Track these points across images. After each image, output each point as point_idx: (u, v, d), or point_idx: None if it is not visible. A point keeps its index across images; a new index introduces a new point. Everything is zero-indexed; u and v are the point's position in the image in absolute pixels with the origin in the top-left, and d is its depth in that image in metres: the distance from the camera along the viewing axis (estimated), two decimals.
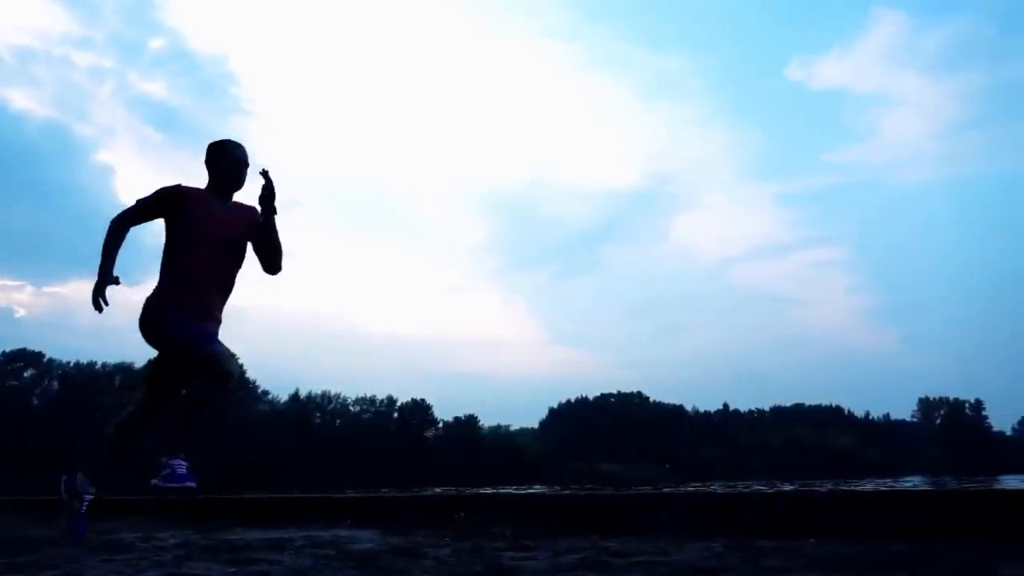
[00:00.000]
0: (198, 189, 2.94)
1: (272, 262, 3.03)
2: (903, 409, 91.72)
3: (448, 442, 74.17)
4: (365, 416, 75.66)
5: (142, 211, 2.89)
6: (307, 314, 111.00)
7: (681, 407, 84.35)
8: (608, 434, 78.39)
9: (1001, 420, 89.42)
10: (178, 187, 2.91)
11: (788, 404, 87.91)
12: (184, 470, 2.74)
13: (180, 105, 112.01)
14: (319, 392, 68.68)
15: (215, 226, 2.90)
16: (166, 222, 2.89)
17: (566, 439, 78.49)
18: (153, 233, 3.04)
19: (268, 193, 2.92)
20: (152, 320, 2.82)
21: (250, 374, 61.95)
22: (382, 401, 77.53)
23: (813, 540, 1.97)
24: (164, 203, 2.86)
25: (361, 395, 77.06)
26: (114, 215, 2.88)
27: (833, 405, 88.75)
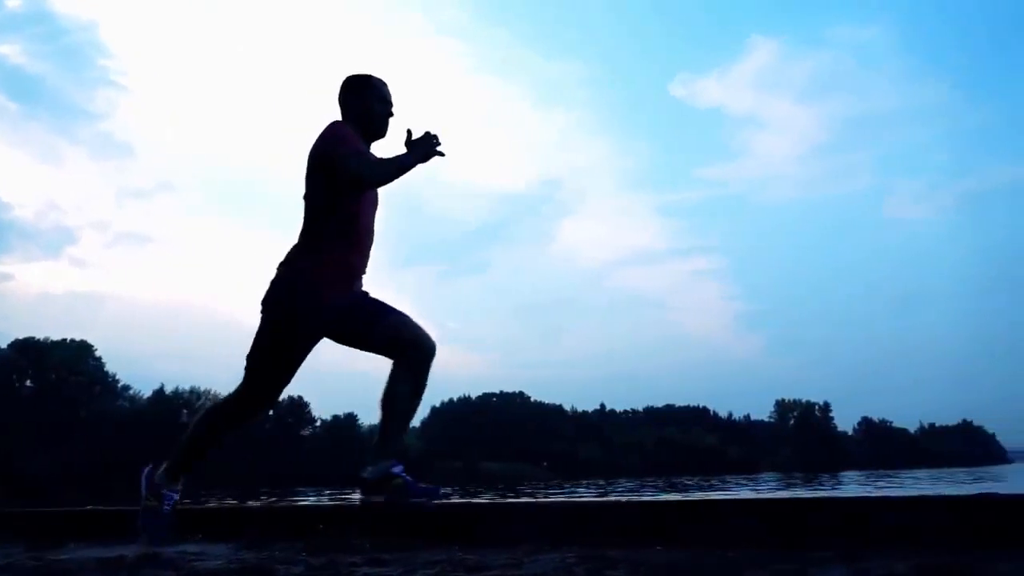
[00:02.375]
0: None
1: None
2: (762, 410, 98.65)
3: (326, 442, 72.18)
4: None
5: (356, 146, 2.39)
6: (179, 304, 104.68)
7: (561, 407, 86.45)
8: (490, 433, 79.05)
9: (844, 421, 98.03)
10: (345, 129, 2.41)
11: (660, 405, 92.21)
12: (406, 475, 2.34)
13: (39, 73, 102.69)
14: (187, 388, 64.61)
15: None
16: (324, 164, 2.38)
17: (448, 438, 78.43)
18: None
19: (430, 148, 2.39)
20: (314, 288, 2.30)
21: (109, 367, 57.56)
22: None
23: (660, 548, 2.06)
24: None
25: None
26: (363, 178, 2.36)
27: (700, 406, 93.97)
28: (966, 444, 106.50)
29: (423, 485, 2.34)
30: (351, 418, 78.86)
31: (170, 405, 62.64)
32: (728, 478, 35.46)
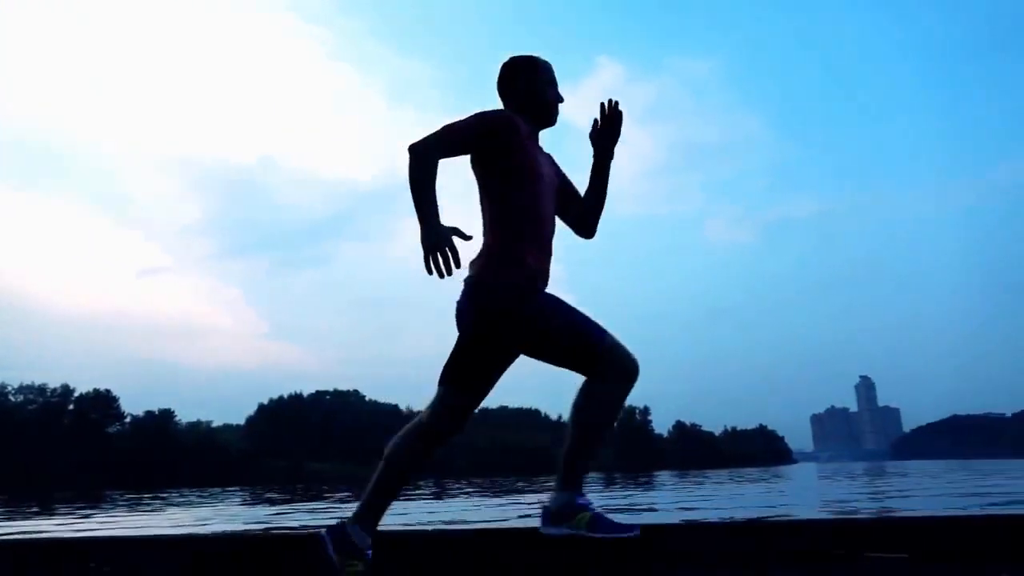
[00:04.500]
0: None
1: (592, 221, 2.36)
2: None
3: (137, 439, 66.38)
4: (31, 407, 64.64)
5: (463, 138, 2.07)
6: None
7: (396, 406, 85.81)
8: (320, 432, 76.63)
9: (661, 424, 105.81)
10: (509, 113, 2.16)
11: (494, 406, 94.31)
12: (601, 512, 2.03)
13: None
14: None
15: (545, 166, 2.21)
16: (490, 153, 2.11)
17: (275, 437, 75.09)
18: None
19: (615, 130, 2.26)
20: (515, 290, 2.03)
21: None
22: (55, 390, 67.11)
23: None
24: (495, 130, 2.09)
25: (27, 382, 65.91)
26: (415, 142, 2.01)
27: (532, 408, 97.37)
28: (761, 447, 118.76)
29: (617, 522, 2.06)
30: (167, 414, 73.25)
31: None
32: (555, 477, 36.99)
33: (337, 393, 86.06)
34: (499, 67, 2.30)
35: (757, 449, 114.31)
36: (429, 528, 2.96)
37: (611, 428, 2.11)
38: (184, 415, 77.59)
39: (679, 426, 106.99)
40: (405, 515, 7.01)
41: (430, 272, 1.89)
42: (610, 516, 2.04)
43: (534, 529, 2.16)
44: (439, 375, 2.09)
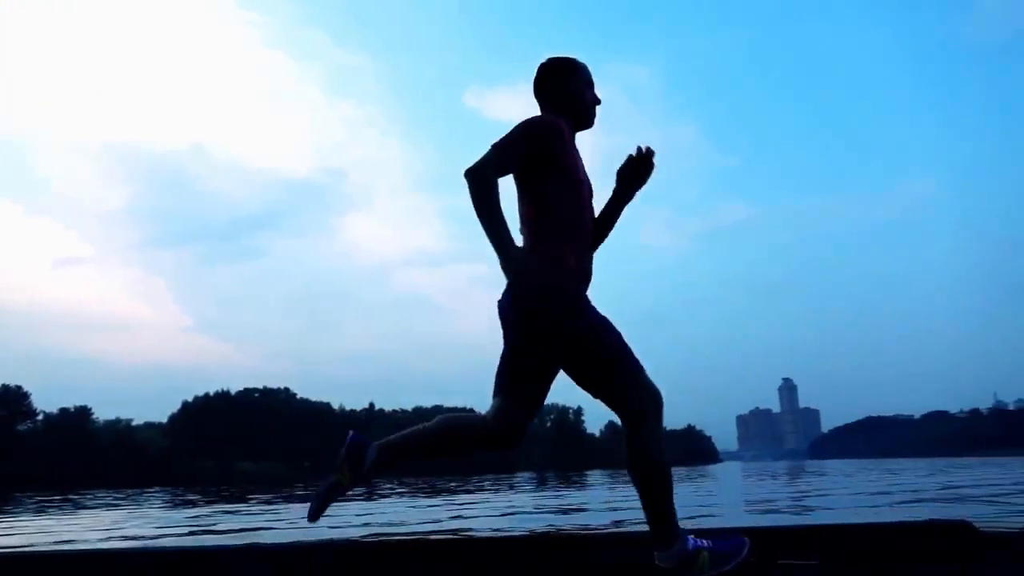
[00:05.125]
0: None
1: (594, 246, 2.31)
2: None
3: (50, 438, 63.08)
4: None
5: (516, 151, 2.04)
6: None
7: (328, 405, 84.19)
8: (249, 431, 74.49)
9: (593, 424, 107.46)
10: (554, 118, 2.12)
11: (429, 405, 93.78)
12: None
13: None
14: None
15: (585, 173, 2.18)
16: (537, 158, 2.07)
17: (200, 436, 72.56)
18: None
19: (643, 176, 2.25)
20: (563, 287, 1.99)
21: None
22: None
23: None
24: (544, 136, 2.06)
25: None
26: (471, 166, 1.97)
27: (467, 406, 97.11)
28: (689, 446, 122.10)
29: (727, 541, 2.02)
30: (83, 412, 69.88)
31: None
32: (488, 477, 37.12)
33: (267, 391, 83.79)
34: (537, 68, 2.27)
35: (685, 449, 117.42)
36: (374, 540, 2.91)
37: (661, 466, 2.03)
38: (102, 413, 74.15)
39: (611, 426, 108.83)
40: (337, 517, 6.85)
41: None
42: (723, 541, 2.00)
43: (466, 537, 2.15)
44: (493, 385, 2.07)
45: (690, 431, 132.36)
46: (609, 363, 2.03)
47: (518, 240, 2.05)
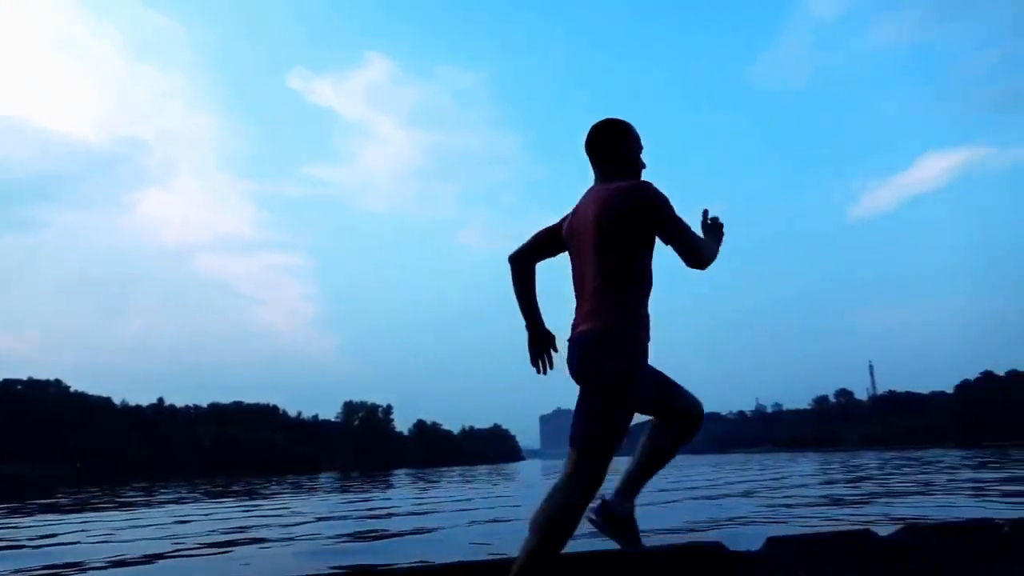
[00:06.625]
0: None
1: None
2: (331, 410, 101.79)
3: None
4: None
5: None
6: None
7: (109, 399, 75.89)
8: (8, 429, 65.09)
9: (403, 423, 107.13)
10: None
11: (227, 401, 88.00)
12: None
13: None
14: None
15: None
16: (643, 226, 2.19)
17: None
18: None
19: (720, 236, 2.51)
20: (638, 351, 2.15)
21: None
22: None
23: None
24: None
25: None
26: (705, 263, 2.25)
27: (270, 404, 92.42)
28: (494, 445, 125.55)
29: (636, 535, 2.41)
30: None
31: None
32: (291, 477, 35.69)
33: (32, 382, 73.69)
34: (597, 127, 2.31)
35: (490, 447, 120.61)
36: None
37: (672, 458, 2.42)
38: None
39: (420, 424, 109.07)
40: (80, 532, 6.28)
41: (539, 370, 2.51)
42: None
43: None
44: (579, 446, 2.13)
45: (495, 430, 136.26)
46: (666, 390, 2.40)
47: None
